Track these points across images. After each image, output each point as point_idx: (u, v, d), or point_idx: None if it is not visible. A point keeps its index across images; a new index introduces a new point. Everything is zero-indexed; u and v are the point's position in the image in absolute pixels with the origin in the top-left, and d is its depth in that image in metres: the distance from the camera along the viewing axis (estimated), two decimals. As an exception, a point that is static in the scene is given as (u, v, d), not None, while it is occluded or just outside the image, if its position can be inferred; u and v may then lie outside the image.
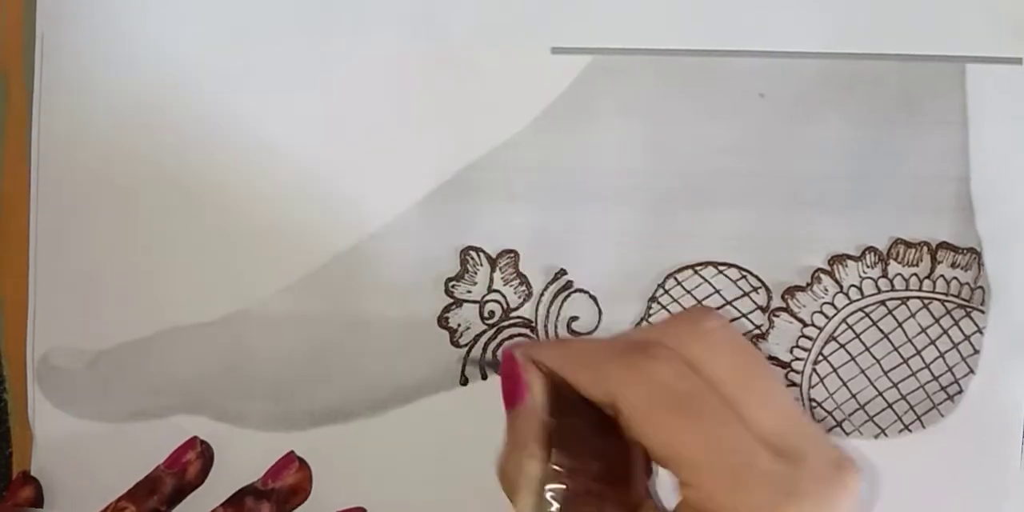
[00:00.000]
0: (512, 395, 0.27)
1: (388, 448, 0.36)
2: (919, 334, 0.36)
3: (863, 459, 0.35)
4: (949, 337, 0.36)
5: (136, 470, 0.36)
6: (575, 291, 0.36)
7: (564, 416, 0.26)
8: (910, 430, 0.36)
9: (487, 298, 0.36)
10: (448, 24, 0.36)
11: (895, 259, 0.36)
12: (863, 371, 0.36)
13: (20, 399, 0.37)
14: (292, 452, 0.36)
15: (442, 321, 0.36)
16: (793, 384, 0.36)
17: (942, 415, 0.36)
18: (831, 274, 0.36)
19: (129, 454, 0.36)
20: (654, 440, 0.25)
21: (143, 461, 0.36)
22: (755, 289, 0.36)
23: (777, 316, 0.36)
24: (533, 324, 0.36)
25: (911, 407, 0.36)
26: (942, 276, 0.36)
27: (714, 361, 0.26)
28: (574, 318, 0.36)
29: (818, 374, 0.36)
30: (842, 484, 0.25)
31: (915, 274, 0.36)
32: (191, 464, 0.35)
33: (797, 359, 0.36)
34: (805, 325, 0.36)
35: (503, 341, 0.36)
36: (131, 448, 0.36)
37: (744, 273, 0.36)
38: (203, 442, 0.35)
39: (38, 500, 0.36)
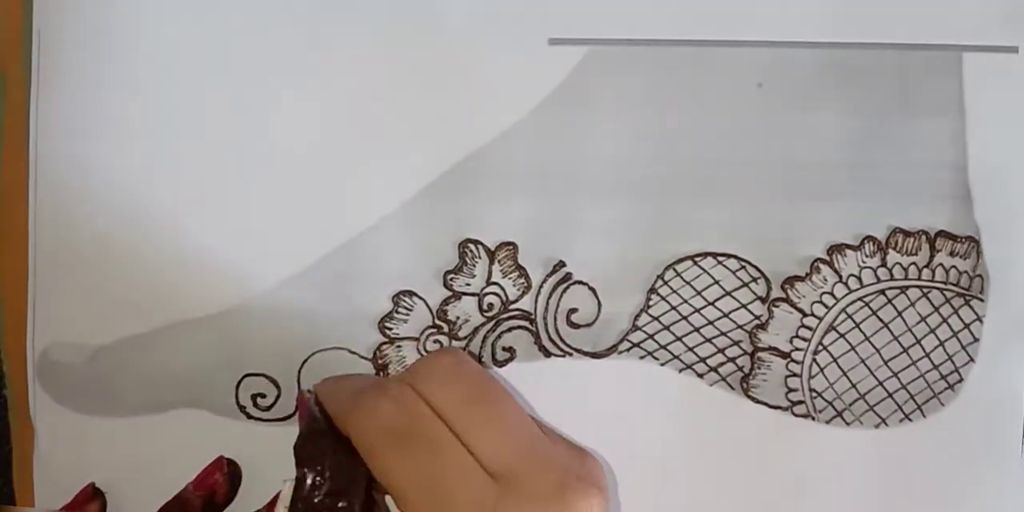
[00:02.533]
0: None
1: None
2: (919, 323, 0.36)
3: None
4: (949, 326, 0.36)
5: (137, 465, 0.36)
6: (574, 283, 0.36)
7: (310, 439, 0.31)
8: (910, 419, 0.36)
9: (486, 291, 0.36)
10: (445, 15, 0.36)
11: (894, 248, 0.36)
12: (863, 361, 0.36)
13: (20, 394, 0.37)
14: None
15: (441, 314, 0.36)
16: (793, 375, 0.36)
17: (942, 404, 0.36)
18: (830, 264, 0.36)
19: (130, 449, 0.36)
20: (374, 470, 0.28)
21: (144, 456, 0.36)
22: (754, 279, 0.36)
23: (777, 306, 0.36)
24: (532, 316, 0.36)
25: (911, 396, 0.36)
26: (941, 265, 0.36)
27: (442, 393, 0.29)
28: (573, 310, 0.36)
29: (818, 364, 0.36)
30: (561, 505, 0.27)
31: (914, 263, 0.36)
32: (219, 484, 0.35)
33: (797, 349, 0.36)
34: (805, 315, 0.36)
35: (502, 334, 0.36)
36: (132, 443, 0.36)
37: (743, 263, 0.36)
38: (230, 462, 0.35)
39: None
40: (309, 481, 0.30)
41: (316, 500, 0.30)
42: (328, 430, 0.31)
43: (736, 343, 0.36)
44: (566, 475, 0.28)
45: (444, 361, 0.30)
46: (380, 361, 0.36)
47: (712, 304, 0.36)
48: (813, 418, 0.36)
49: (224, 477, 0.35)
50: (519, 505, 0.27)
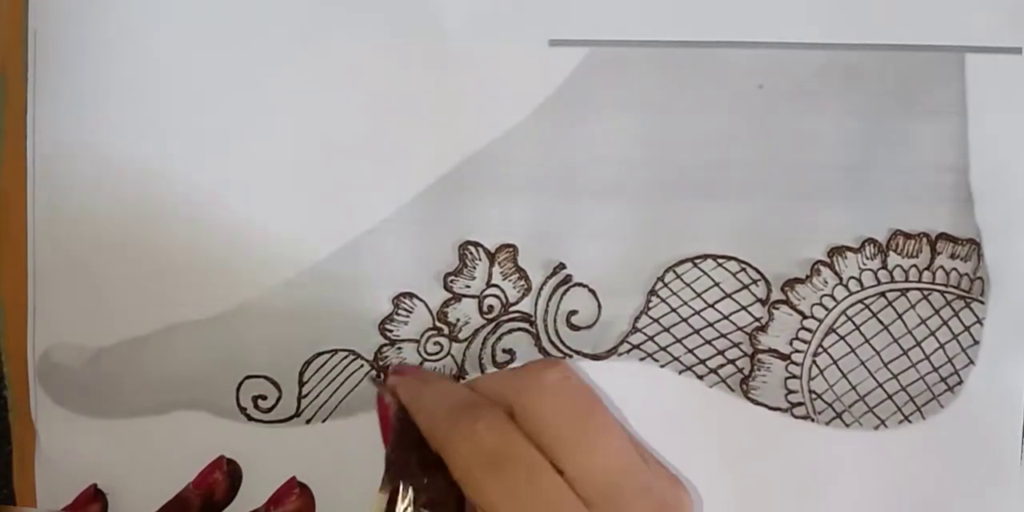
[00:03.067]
0: (383, 435, 0.32)
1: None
2: (919, 325, 0.36)
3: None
4: (949, 328, 0.36)
5: (137, 466, 0.36)
6: (574, 285, 0.36)
7: (403, 450, 0.30)
8: (910, 421, 0.36)
9: (486, 293, 0.36)
10: (445, 17, 0.35)
11: (894, 250, 0.36)
12: (863, 363, 0.36)
13: (21, 396, 0.37)
14: (294, 478, 0.36)
15: (441, 316, 0.36)
16: (793, 376, 0.36)
17: (942, 406, 0.36)
18: (831, 266, 0.36)
19: (130, 450, 0.36)
20: (469, 492, 0.28)
21: (144, 457, 0.36)
22: (754, 281, 0.36)
23: (777, 308, 0.36)
24: (532, 318, 0.36)
25: (911, 398, 0.36)
26: (941, 267, 0.36)
27: (542, 412, 0.28)
28: (573, 312, 0.36)
29: (818, 366, 0.36)
30: None
31: (915, 265, 0.36)
32: (218, 483, 0.35)
33: (797, 351, 0.36)
34: (805, 317, 0.36)
35: (502, 336, 0.36)
36: (132, 444, 0.36)
37: (743, 265, 0.36)
38: (230, 461, 0.35)
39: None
40: (409, 493, 0.29)
41: None
42: (421, 442, 0.30)
43: (736, 345, 0.36)
44: (657, 507, 0.28)
45: (551, 376, 0.29)
46: (381, 363, 0.36)
47: (712, 306, 0.36)
48: (813, 420, 0.36)
49: (224, 476, 0.35)
50: None
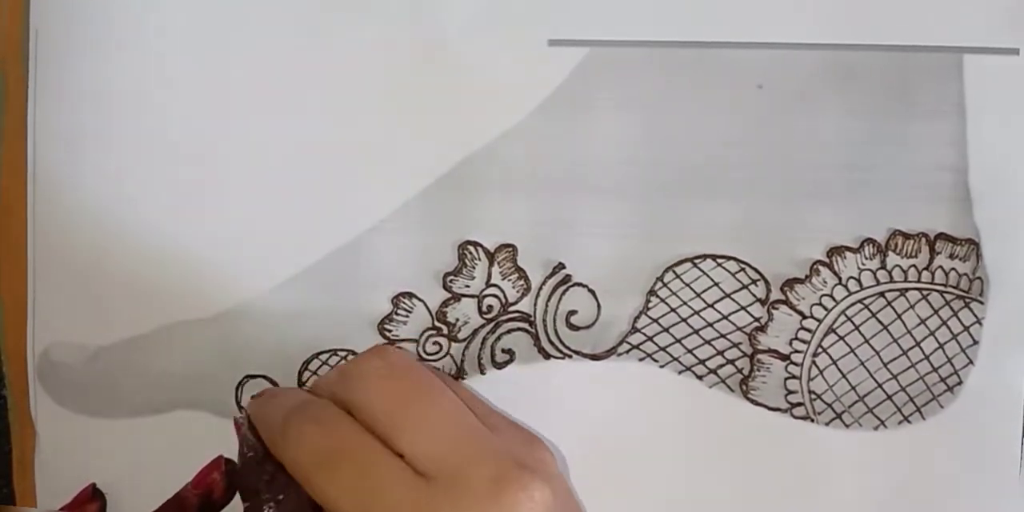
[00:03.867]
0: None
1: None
2: (918, 325, 0.36)
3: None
4: (948, 328, 0.36)
5: (137, 466, 0.36)
6: (574, 285, 0.36)
7: (250, 470, 0.31)
8: (910, 422, 0.36)
9: (485, 292, 0.36)
10: (444, 16, 0.36)
11: (893, 250, 0.36)
12: (862, 363, 0.36)
13: (21, 395, 0.37)
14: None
15: (440, 316, 0.36)
16: (793, 377, 0.36)
17: (942, 406, 0.36)
18: (830, 266, 0.36)
19: (130, 450, 0.36)
20: (313, 494, 0.28)
21: (144, 457, 0.36)
22: (754, 281, 0.36)
23: (776, 308, 0.36)
24: (532, 318, 0.36)
25: (911, 398, 0.36)
26: (940, 267, 0.36)
27: (367, 401, 0.29)
28: (573, 312, 0.36)
29: (817, 366, 0.36)
30: (495, 500, 0.26)
31: (914, 265, 0.36)
32: (216, 483, 0.35)
33: (796, 351, 0.36)
34: (804, 317, 0.36)
35: (502, 336, 0.36)
36: (132, 444, 0.36)
37: (743, 265, 0.36)
38: (229, 461, 0.35)
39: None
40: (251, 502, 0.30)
41: None
42: (267, 456, 0.31)
43: (735, 345, 0.36)
44: (502, 467, 0.27)
45: (372, 365, 0.30)
46: (379, 363, 0.36)
47: (711, 306, 0.36)
48: (813, 420, 0.36)
49: (222, 476, 0.35)
50: (454, 504, 0.26)
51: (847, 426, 0.36)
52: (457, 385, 0.34)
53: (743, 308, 0.36)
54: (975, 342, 0.36)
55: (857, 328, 0.36)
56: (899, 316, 0.36)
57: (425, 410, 0.29)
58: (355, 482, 0.27)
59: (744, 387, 0.36)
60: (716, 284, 0.36)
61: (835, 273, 0.36)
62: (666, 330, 0.36)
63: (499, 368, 0.36)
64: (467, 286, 0.36)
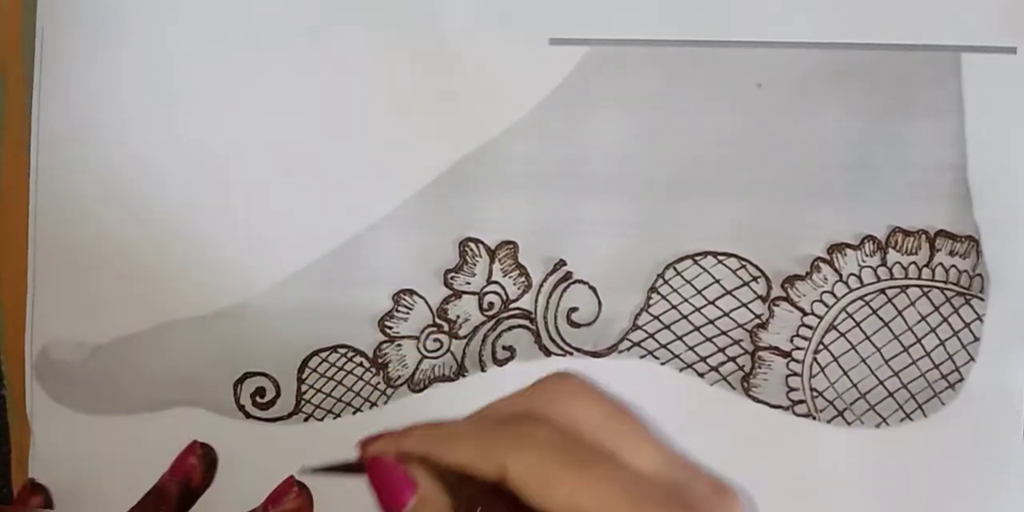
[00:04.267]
0: (397, 496, 0.26)
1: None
2: (919, 322, 0.36)
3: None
4: (949, 325, 0.36)
5: (134, 463, 0.35)
6: (574, 282, 0.36)
7: (453, 494, 0.26)
8: (911, 419, 0.36)
9: (486, 290, 0.36)
10: (446, 15, 0.36)
11: (894, 247, 0.36)
12: (864, 360, 0.36)
13: (18, 394, 0.36)
14: (292, 477, 0.35)
15: (441, 313, 0.36)
16: (794, 374, 0.36)
17: (943, 403, 0.36)
18: (830, 263, 0.36)
19: (127, 447, 0.36)
20: (555, 497, 0.25)
21: (141, 454, 0.36)
22: (755, 278, 0.36)
23: (777, 305, 0.36)
24: (533, 315, 0.36)
25: (912, 396, 0.36)
26: (941, 264, 0.36)
27: (585, 416, 0.26)
28: (573, 309, 0.36)
29: (819, 363, 0.36)
30: (725, 507, 0.25)
31: (914, 262, 0.36)
32: (194, 468, 0.35)
33: (798, 348, 0.36)
34: (805, 314, 0.36)
35: (502, 333, 0.36)
36: (129, 441, 0.36)
37: (744, 262, 0.36)
38: (203, 445, 0.35)
39: (48, 504, 0.36)
40: None
41: None
42: (461, 480, 0.26)
43: (737, 342, 0.36)
44: (719, 481, 0.26)
45: (568, 382, 0.27)
46: (380, 360, 0.36)
47: (712, 303, 0.36)
48: (814, 417, 0.36)
49: (199, 460, 0.35)
50: (698, 505, 0.26)
51: (849, 424, 0.36)
52: None
53: (744, 305, 0.36)
54: (976, 339, 0.36)
55: (858, 325, 0.36)
56: (900, 313, 0.36)
57: (641, 427, 0.27)
58: (604, 479, 0.24)
59: (745, 384, 0.36)
60: (717, 281, 0.36)
61: (836, 270, 0.36)
62: (667, 327, 0.36)
63: (500, 365, 0.36)
64: (468, 283, 0.36)
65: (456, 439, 0.26)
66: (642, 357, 0.36)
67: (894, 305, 0.36)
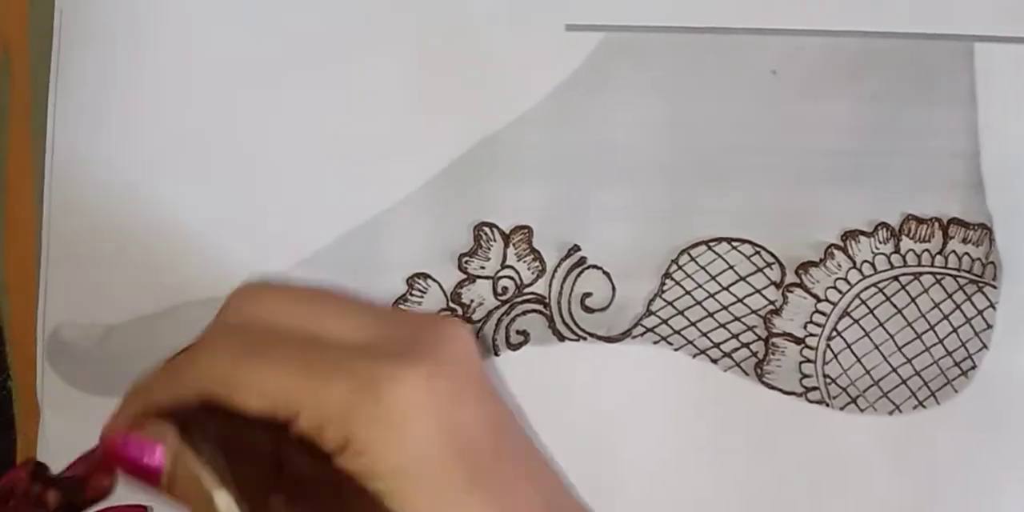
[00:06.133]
0: (147, 471, 0.24)
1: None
2: (932, 310, 0.36)
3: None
4: (962, 312, 0.36)
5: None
6: (589, 267, 0.36)
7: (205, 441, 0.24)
8: (924, 406, 0.36)
9: (500, 274, 0.36)
10: (463, 2, 0.36)
11: (907, 235, 0.36)
12: (877, 347, 0.36)
13: (28, 382, 0.36)
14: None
15: (455, 297, 0.36)
16: (808, 360, 0.36)
17: (956, 391, 0.36)
18: (844, 250, 0.36)
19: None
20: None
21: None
22: (769, 265, 0.36)
23: (791, 292, 0.36)
24: (547, 300, 0.36)
25: (925, 383, 0.36)
26: (954, 252, 0.36)
27: (281, 310, 0.25)
28: (588, 294, 0.36)
29: (832, 350, 0.36)
30: (455, 334, 0.24)
31: (927, 250, 0.36)
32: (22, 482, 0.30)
33: (811, 335, 0.36)
34: (819, 301, 0.36)
35: (516, 317, 0.36)
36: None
37: (758, 249, 0.36)
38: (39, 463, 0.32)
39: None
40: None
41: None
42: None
43: (750, 328, 0.36)
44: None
45: (251, 287, 0.27)
46: (393, 344, 0.36)
47: (726, 289, 0.36)
48: (827, 404, 0.36)
49: (28, 475, 0.29)
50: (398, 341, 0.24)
51: (862, 411, 0.36)
52: None
53: (758, 291, 0.36)
54: (989, 326, 0.36)
55: (872, 312, 0.36)
56: (913, 300, 0.36)
57: (341, 299, 0.26)
58: (297, 363, 0.23)
59: (759, 371, 0.36)
60: (731, 267, 0.36)
61: (849, 257, 0.36)
62: (681, 313, 0.36)
63: (513, 349, 0.36)
64: (482, 267, 0.36)
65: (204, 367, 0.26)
66: (655, 343, 0.36)
67: (907, 292, 0.36)
